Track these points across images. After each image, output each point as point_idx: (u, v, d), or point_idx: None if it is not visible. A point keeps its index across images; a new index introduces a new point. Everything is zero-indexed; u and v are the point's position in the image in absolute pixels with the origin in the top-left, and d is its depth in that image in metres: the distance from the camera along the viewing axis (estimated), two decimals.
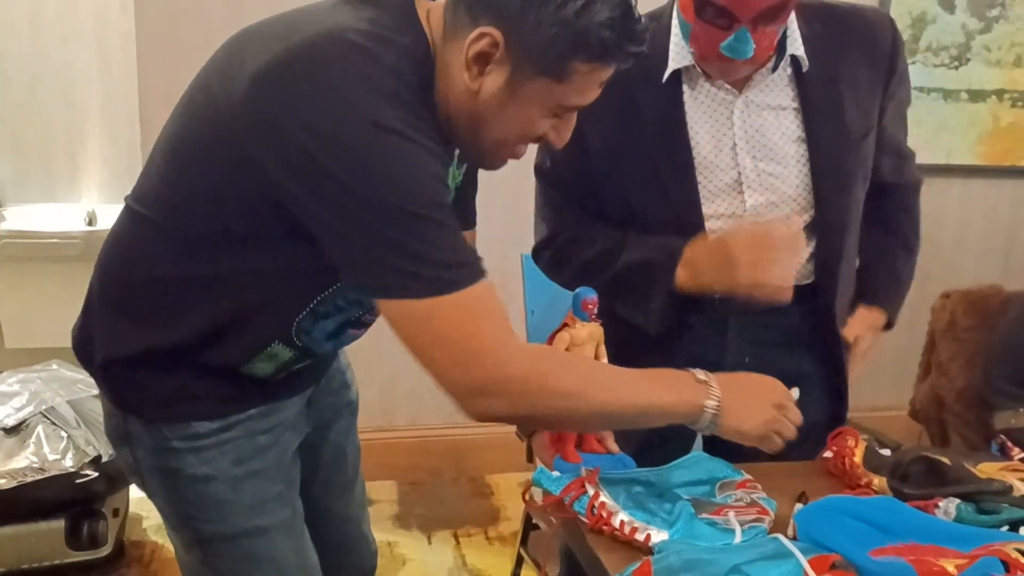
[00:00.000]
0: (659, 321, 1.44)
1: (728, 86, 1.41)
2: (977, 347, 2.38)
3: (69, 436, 2.30)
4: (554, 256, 1.57)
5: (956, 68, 3.21)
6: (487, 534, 2.83)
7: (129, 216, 1.16)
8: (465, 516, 2.94)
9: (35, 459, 2.24)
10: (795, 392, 1.22)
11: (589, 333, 1.25)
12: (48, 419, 2.33)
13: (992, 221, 3.41)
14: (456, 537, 2.81)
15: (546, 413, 1.08)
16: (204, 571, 1.24)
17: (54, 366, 2.57)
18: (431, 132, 1.02)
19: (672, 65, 1.40)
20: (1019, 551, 0.96)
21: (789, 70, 1.42)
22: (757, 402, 1.16)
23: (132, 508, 2.66)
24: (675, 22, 1.40)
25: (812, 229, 1.45)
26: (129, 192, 1.17)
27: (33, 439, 2.28)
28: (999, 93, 3.27)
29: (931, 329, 2.53)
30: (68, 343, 1.24)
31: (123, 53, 2.75)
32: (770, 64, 1.40)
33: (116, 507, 2.45)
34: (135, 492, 2.45)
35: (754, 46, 1.29)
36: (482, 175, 1.32)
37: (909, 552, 0.96)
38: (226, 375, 1.17)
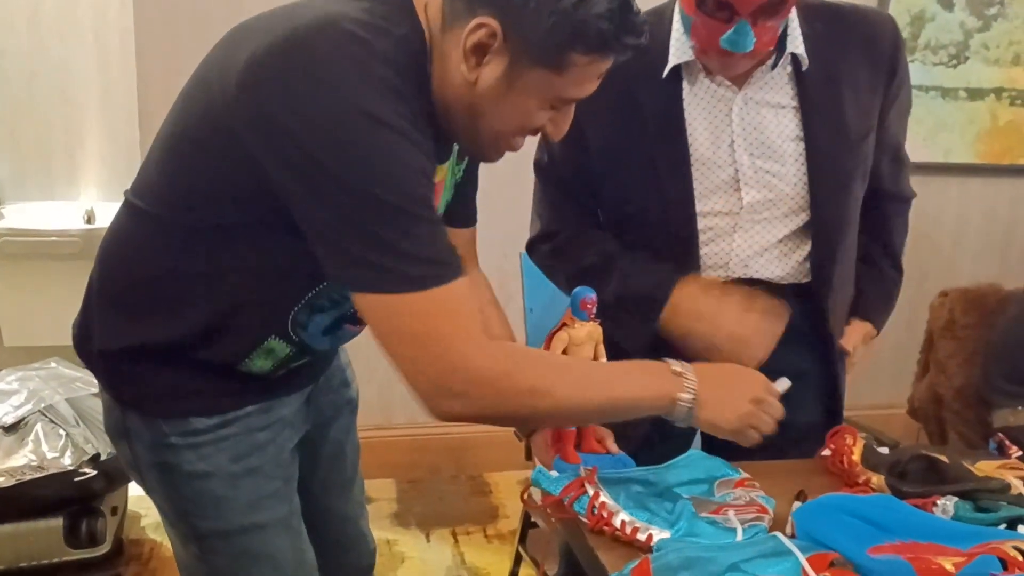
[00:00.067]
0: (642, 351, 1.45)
1: (728, 83, 1.41)
2: (975, 345, 2.37)
3: (68, 434, 2.29)
4: (550, 254, 1.57)
5: (955, 66, 3.21)
6: (486, 532, 2.83)
7: (128, 210, 1.16)
8: (464, 514, 2.94)
9: (34, 457, 2.24)
10: (783, 383, 1.21)
11: (588, 333, 1.25)
12: (47, 417, 2.32)
13: (990, 219, 3.41)
14: (455, 535, 2.81)
15: (512, 413, 1.08)
16: (201, 567, 1.24)
17: (53, 364, 2.57)
18: (423, 125, 1.02)
19: (673, 60, 1.40)
20: (1017, 549, 0.97)
21: (789, 68, 1.42)
22: (734, 396, 1.15)
23: (131, 506, 2.65)
24: (676, 16, 1.40)
25: (809, 228, 1.45)
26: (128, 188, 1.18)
27: (32, 437, 2.28)
28: (998, 91, 3.27)
29: (929, 327, 2.52)
30: (67, 341, 1.24)
31: (122, 50, 2.74)
32: (770, 61, 1.40)
33: (115, 505, 2.45)
34: (134, 490, 2.45)
35: (754, 40, 1.29)
36: (482, 174, 1.32)
37: (907, 550, 0.96)
38: (224, 371, 1.17)
